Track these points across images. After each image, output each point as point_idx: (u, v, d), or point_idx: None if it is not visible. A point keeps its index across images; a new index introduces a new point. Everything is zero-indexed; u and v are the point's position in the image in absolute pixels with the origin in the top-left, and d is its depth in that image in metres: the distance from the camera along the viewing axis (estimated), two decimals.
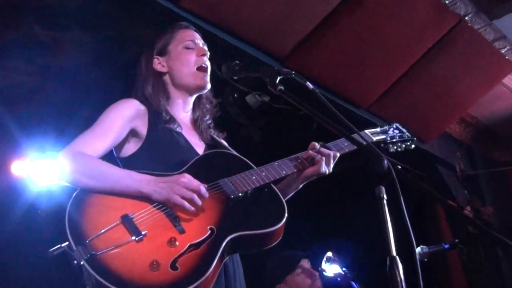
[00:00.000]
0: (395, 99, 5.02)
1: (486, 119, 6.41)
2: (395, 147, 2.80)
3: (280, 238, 2.22)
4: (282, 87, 2.10)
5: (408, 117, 5.26)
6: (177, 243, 1.97)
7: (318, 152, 2.43)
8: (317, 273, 4.12)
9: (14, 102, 5.32)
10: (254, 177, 2.26)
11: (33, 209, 5.61)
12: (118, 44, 4.71)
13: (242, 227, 2.09)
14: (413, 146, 2.85)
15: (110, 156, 2.39)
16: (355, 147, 2.48)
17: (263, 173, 2.29)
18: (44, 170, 5.53)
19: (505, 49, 5.16)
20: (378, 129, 2.80)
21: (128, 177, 2.11)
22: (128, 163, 2.33)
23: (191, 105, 2.62)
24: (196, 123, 2.60)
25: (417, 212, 5.82)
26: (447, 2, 4.54)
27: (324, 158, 2.41)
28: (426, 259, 3.27)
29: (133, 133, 2.37)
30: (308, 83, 2.10)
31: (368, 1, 4.19)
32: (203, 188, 2.10)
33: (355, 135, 2.08)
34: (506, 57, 5.20)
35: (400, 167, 1.81)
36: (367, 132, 2.74)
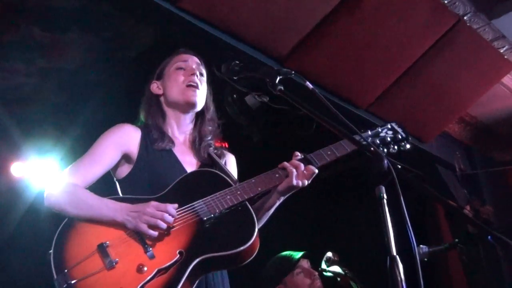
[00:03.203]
0: (395, 99, 5.02)
1: (486, 118, 6.41)
2: (385, 150, 2.69)
3: (254, 255, 2.23)
4: (282, 87, 2.10)
5: (408, 117, 5.26)
6: (145, 268, 2.07)
7: (291, 164, 2.39)
8: (316, 273, 4.11)
9: (14, 103, 5.32)
10: (228, 197, 2.28)
11: (33, 210, 5.61)
12: (117, 45, 4.71)
13: (210, 249, 2.14)
14: (408, 146, 2.74)
15: (109, 177, 2.52)
16: (338, 155, 2.50)
17: (238, 192, 2.30)
18: (44, 171, 5.53)
19: (504, 48, 5.16)
20: (369, 132, 2.69)
21: (105, 206, 2.23)
22: (123, 185, 2.48)
23: (187, 125, 2.66)
24: (194, 142, 2.62)
25: (417, 211, 5.83)
26: (446, 1, 4.54)
27: (294, 170, 2.36)
28: (426, 259, 3.27)
29: (125, 157, 2.48)
30: (307, 83, 2.09)
31: (367, 1, 4.19)
32: (171, 209, 2.18)
33: (355, 135, 2.07)
34: (505, 57, 5.21)
35: (400, 166, 1.81)
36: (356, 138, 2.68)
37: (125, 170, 2.48)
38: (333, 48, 4.38)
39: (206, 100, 2.68)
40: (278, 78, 2.12)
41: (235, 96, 4.30)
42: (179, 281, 2.03)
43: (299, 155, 2.47)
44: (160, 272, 2.06)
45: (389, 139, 2.69)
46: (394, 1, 4.29)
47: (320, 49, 4.34)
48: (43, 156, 5.51)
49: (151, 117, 2.60)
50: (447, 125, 6.00)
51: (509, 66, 5.30)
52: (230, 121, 4.55)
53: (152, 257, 2.11)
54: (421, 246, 3.29)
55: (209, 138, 2.64)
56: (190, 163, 2.52)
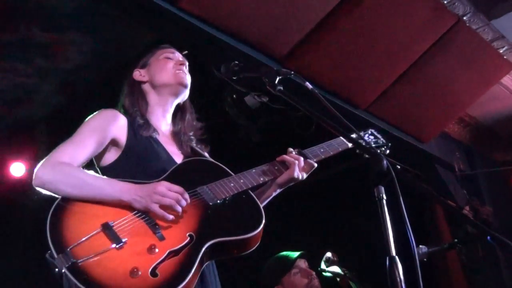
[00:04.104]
0: (394, 99, 5.02)
1: (485, 119, 6.42)
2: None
3: (258, 244, 2.25)
4: (281, 88, 2.11)
5: (407, 117, 5.27)
6: (156, 250, 2.00)
7: (291, 157, 2.47)
8: (313, 273, 4.11)
9: (13, 103, 5.32)
10: (232, 184, 2.30)
11: (32, 210, 5.61)
12: (117, 45, 4.71)
13: (221, 234, 2.13)
14: (387, 151, 2.85)
15: (90, 166, 2.42)
16: (331, 153, 2.61)
17: (241, 180, 2.33)
18: None
19: (504, 49, 5.16)
20: (355, 135, 2.81)
21: (108, 186, 2.15)
22: (108, 172, 2.36)
23: (169, 114, 2.64)
24: (177, 135, 2.62)
25: (416, 212, 5.82)
26: (445, 2, 4.55)
27: (296, 162, 2.44)
28: (425, 259, 3.27)
29: (113, 142, 2.40)
30: (307, 83, 2.10)
31: (366, 2, 4.19)
32: (185, 194, 2.14)
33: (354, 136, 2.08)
34: (505, 57, 5.21)
35: (399, 167, 1.81)
36: (342, 139, 2.73)
37: (111, 156, 2.40)
38: (332, 48, 4.38)
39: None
40: (277, 78, 2.13)
41: (234, 96, 4.30)
42: (193, 264, 1.99)
43: (293, 150, 2.52)
44: (171, 253, 2.01)
45: (372, 143, 2.83)
46: (393, 2, 4.29)
47: (320, 50, 4.34)
48: (43, 157, 5.51)
49: (135, 104, 2.55)
50: (447, 125, 6.00)
51: (509, 66, 5.31)
52: (230, 121, 4.56)
53: (162, 238, 2.04)
54: (420, 246, 3.29)
55: (191, 134, 2.64)
56: (176, 154, 2.50)
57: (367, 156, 1.84)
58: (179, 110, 2.69)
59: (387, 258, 1.62)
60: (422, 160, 5.95)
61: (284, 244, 4.37)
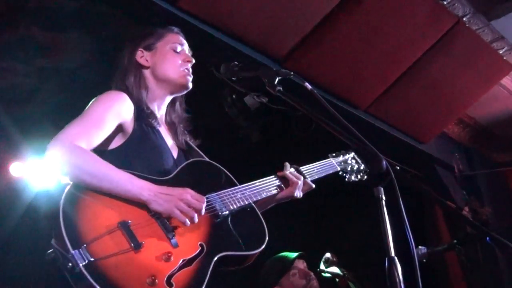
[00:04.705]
0: (393, 100, 5.02)
1: (484, 120, 6.41)
2: (352, 177, 2.88)
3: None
4: (281, 88, 2.10)
5: (406, 117, 5.27)
6: (172, 257, 1.97)
7: (293, 175, 2.55)
8: (312, 273, 4.11)
9: (12, 103, 5.32)
10: (239, 196, 2.31)
11: (32, 210, 5.61)
12: (116, 45, 4.70)
13: (229, 247, 2.14)
14: (365, 177, 2.87)
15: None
16: (323, 175, 2.72)
17: (247, 192, 2.35)
18: (43, 171, 5.53)
19: (503, 49, 5.16)
20: (341, 158, 2.89)
21: (129, 182, 2.05)
22: (109, 156, 2.21)
23: (165, 106, 2.58)
24: (171, 126, 2.58)
25: (415, 212, 5.82)
26: (445, 3, 4.55)
27: (299, 182, 2.54)
28: (424, 260, 3.27)
29: (120, 127, 2.30)
30: (306, 83, 2.10)
31: (366, 2, 4.19)
32: (204, 204, 2.13)
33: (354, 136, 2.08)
34: (504, 58, 5.21)
35: (398, 167, 1.81)
36: (333, 161, 2.84)
37: (117, 140, 2.30)
38: (332, 49, 4.38)
39: None
40: (277, 79, 2.13)
41: (234, 96, 4.30)
42: (206, 276, 2.00)
43: (291, 166, 2.60)
44: (184, 262, 1.99)
45: (354, 167, 2.90)
46: (393, 2, 4.29)
47: (319, 50, 4.34)
48: (42, 156, 5.51)
49: (136, 87, 2.44)
50: (446, 126, 6.00)
51: (508, 67, 5.31)
52: (229, 122, 4.55)
53: (176, 245, 2.01)
54: (419, 247, 3.29)
55: (182, 125, 2.61)
56: (173, 148, 2.47)
57: (365, 157, 1.83)
58: (172, 101, 2.63)
59: (387, 258, 1.62)
60: (421, 161, 5.95)
61: (282, 245, 4.37)
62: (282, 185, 2.52)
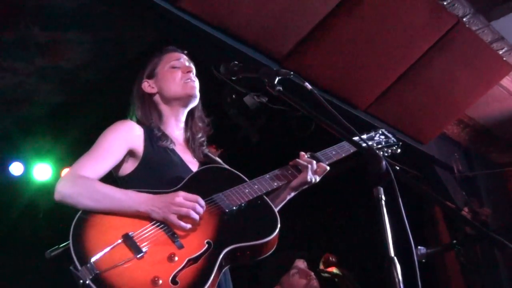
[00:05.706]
0: (393, 100, 5.02)
1: (484, 120, 6.42)
2: (381, 153, 2.81)
3: (274, 248, 2.28)
4: (281, 88, 2.11)
5: (406, 118, 5.27)
6: (176, 258, 2.05)
7: (304, 160, 2.50)
8: (312, 273, 4.11)
9: (13, 103, 5.33)
10: (247, 190, 2.33)
11: (31, 209, 5.62)
12: (116, 45, 4.71)
13: (238, 240, 2.16)
14: (399, 150, 2.88)
15: (109, 175, 2.46)
16: (343, 155, 2.63)
17: (256, 186, 2.36)
18: (42, 171, 5.54)
19: (503, 50, 5.17)
20: (365, 136, 2.84)
21: (127, 197, 2.19)
22: (126, 182, 2.42)
23: (183, 122, 2.66)
24: (188, 142, 2.64)
25: (415, 213, 5.83)
26: (445, 3, 4.55)
27: (309, 165, 2.47)
28: (424, 260, 3.27)
29: (130, 153, 2.44)
30: (306, 83, 2.10)
31: (366, 2, 4.20)
32: (201, 200, 2.18)
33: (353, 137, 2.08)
34: (504, 59, 5.21)
35: (398, 168, 1.81)
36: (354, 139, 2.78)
37: (129, 166, 2.45)
38: (332, 48, 4.38)
39: None
40: (277, 79, 2.13)
41: (234, 96, 4.30)
42: (212, 271, 2.04)
43: (305, 154, 2.54)
44: (190, 261, 2.05)
45: (383, 143, 2.86)
46: (393, 2, 4.29)
47: (319, 50, 4.34)
48: (42, 156, 5.52)
49: (148, 116, 2.57)
50: (446, 127, 6.00)
51: (508, 67, 5.31)
52: (229, 122, 4.56)
53: (181, 246, 2.09)
54: (419, 247, 3.29)
55: (200, 135, 2.65)
56: (191, 162, 2.53)
57: (366, 156, 1.83)
58: (190, 115, 2.70)
59: (386, 259, 1.62)
60: (421, 161, 5.96)
61: (283, 245, 4.37)
62: (295, 173, 2.49)
